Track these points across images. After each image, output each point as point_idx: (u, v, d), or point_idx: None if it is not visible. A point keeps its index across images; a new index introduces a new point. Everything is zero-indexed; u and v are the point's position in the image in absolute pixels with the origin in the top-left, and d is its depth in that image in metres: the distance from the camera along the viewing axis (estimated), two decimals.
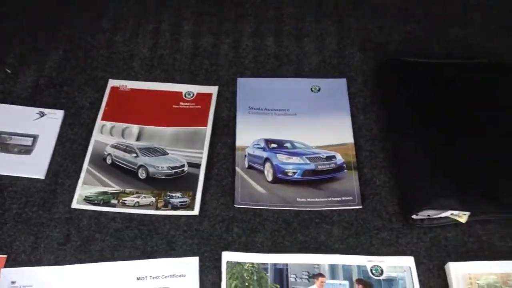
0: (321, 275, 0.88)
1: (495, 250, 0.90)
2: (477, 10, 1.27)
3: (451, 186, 0.91)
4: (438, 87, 1.05)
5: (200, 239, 0.92)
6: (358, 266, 0.88)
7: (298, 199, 0.98)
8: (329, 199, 0.98)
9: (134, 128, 1.07)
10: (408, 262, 0.89)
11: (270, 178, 1.01)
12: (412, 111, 1.02)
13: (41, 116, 1.07)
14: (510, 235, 0.91)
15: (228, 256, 0.89)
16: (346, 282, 0.87)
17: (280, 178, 1.01)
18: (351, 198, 0.97)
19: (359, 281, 0.87)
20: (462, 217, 0.91)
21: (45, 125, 1.06)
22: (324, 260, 0.89)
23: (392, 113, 1.05)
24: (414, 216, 0.92)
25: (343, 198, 0.97)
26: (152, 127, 1.08)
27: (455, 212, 0.91)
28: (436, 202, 0.90)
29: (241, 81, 1.15)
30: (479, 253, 0.90)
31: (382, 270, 0.88)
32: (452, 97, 1.04)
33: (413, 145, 0.98)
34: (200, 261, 0.89)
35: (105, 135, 1.06)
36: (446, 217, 0.92)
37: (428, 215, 0.92)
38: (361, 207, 0.96)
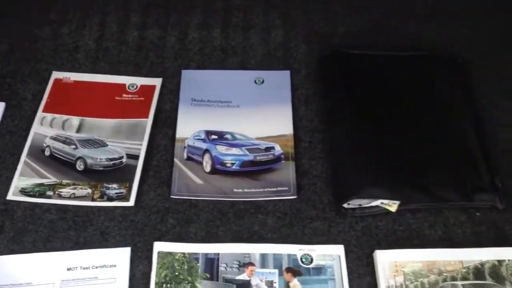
0: (252, 264, 0.89)
1: (424, 239, 0.91)
2: (423, 2, 1.28)
3: (380, 176, 0.93)
4: (376, 79, 1.07)
5: (134, 230, 0.93)
6: (289, 255, 0.90)
7: (235, 190, 0.99)
8: (265, 189, 0.99)
9: (74, 120, 1.07)
10: (338, 250, 0.90)
11: (208, 169, 1.02)
12: (348, 102, 1.04)
13: None
14: (439, 223, 0.92)
15: (159, 246, 0.90)
16: (276, 271, 0.88)
17: (218, 169, 1.01)
18: (286, 188, 0.98)
19: (288, 269, 0.88)
20: (392, 206, 0.92)
21: None
22: (255, 249, 0.90)
23: (330, 104, 1.06)
24: (346, 205, 0.93)
25: (278, 189, 0.98)
26: (93, 118, 1.08)
27: (385, 201, 0.92)
28: (365, 191, 0.91)
29: (185, 73, 1.15)
30: (408, 241, 0.91)
31: (312, 259, 0.89)
32: (389, 89, 1.05)
33: (347, 136, 0.99)
34: (133, 251, 0.90)
35: (45, 127, 1.06)
36: (376, 206, 0.93)
37: (360, 204, 0.93)
38: (295, 197, 0.97)
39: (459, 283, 0.84)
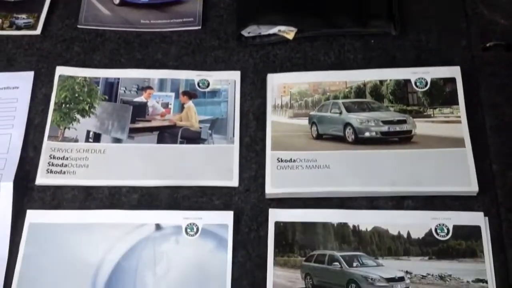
0: (150, 87, 0.93)
1: (318, 64, 0.94)
2: None
3: (278, 3, 0.94)
4: None
5: (39, 57, 0.96)
6: (187, 80, 0.93)
7: (142, 21, 1.00)
8: (171, 20, 1.00)
9: None
10: (234, 76, 0.93)
11: (117, 1, 1.03)
12: None
13: None
14: (335, 50, 0.95)
15: (61, 70, 0.93)
16: (172, 94, 0.92)
17: (127, 1, 1.02)
18: (192, 19, 1.00)
19: (184, 92, 0.92)
20: (289, 33, 0.94)
21: None
22: (154, 74, 0.94)
23: None
24: (246, 34, 0.95)
25: (184, 20, 1.00)
26: None
27: (283, 28, 0.94)
28: (262, 17, 0.93)
29: None
30: (302, 67, 0.94)
31: (208, 83, 0.93)
32: None
33: None
34: (36, 75, 0.94)
35: None
36: (275, 34, 0.95)
37: (260, 33, 0.95)
38: (200, 27, 0.99)
39: (340, 101, 0.88)
